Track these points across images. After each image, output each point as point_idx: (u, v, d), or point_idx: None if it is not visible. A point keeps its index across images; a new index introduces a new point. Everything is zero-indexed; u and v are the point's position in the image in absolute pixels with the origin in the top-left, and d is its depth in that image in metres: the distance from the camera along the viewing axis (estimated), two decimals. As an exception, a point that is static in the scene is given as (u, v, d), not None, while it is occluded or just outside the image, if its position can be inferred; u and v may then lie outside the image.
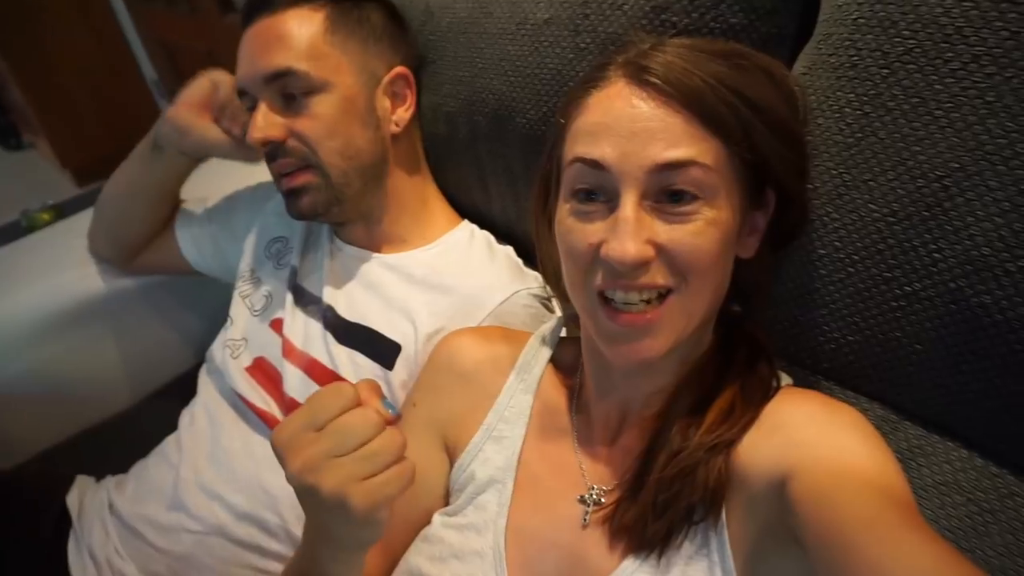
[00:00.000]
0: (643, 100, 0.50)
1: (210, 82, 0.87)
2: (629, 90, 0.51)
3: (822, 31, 0.59)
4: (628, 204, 0.49)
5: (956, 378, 0.54)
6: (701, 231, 0.50)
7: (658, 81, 0.50)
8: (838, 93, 0.56)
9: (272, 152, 0.80)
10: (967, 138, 0.49)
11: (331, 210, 0.83)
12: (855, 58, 0.55)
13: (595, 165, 0.51)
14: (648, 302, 0.51)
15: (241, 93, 0.81)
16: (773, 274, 0.62)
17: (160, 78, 2.74)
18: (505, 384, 0.66)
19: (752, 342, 0.58)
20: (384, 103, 0.82)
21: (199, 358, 1.20)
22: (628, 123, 0.50)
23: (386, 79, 0.82)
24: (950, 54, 0.49)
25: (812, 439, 0.49)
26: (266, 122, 0.77)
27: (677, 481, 0.52)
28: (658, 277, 0.50)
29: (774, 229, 0.58)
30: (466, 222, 0.90)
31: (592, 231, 0.52)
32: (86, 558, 0.79)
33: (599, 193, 0.52)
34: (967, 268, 0.51)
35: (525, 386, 0.66)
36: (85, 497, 0.87)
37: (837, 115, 0.56)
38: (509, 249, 0.87)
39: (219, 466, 0.81)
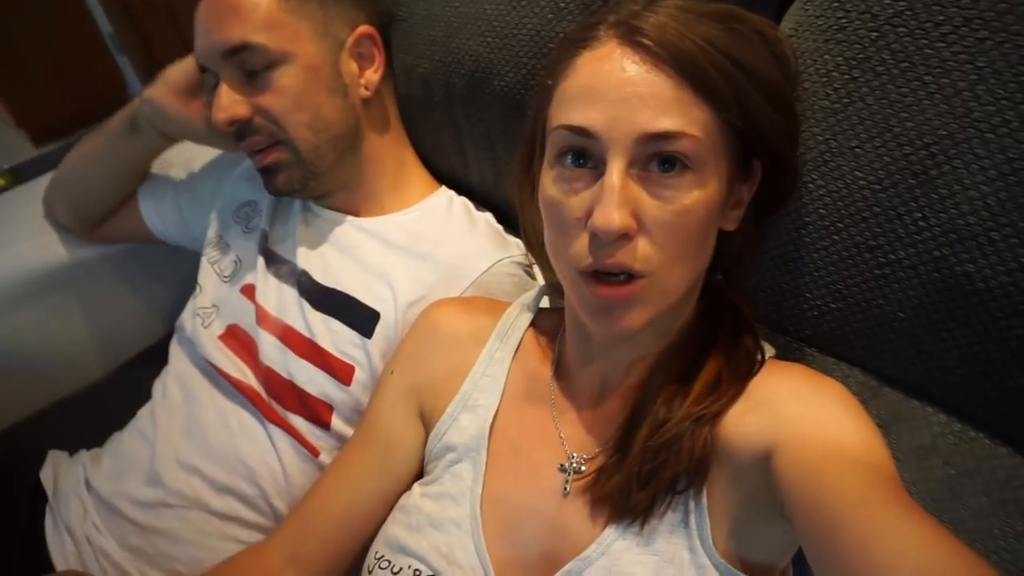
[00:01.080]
0: (635, 63, 0.48)
1: (196, 64, 0.82)
2: (620, 52, 0.49)
3: (809, -9, 0.57)
4: (615, 171, 0.48)
5: (937, 345, 0.54)
6: (686, 211, 0.49)
7: (651, 43, 0.48)
8: (825, 56, 0.55)
9: (240, 131, 0.77)
10: (956, 105, 0.48)
11: (308, 185, 0.81)
12: (843, 20, 0.54)
13: (582, 132, 0.49)
14: (630, 275, 0.50)
15: (202, 69, 0.77)
16: (757, 245, 0.62)
17: (116, 32, 2.61)
18: (481, 352, 0.65)
19: (735, 313, 0.58)
20: (351, 67, 0.79)
21: (169, 328, 1.18)
22: (617, 87, 0.48)
23: (350, 41, 0.78)
24: (941, 17, 0.48)
25: (797, 414, 0.50)
26: (229, 101, 0.74)
27: (663, 451, 0.52)
28: (636, 261, 0.49)
29: (759, 199, 0.57)
30: (444, 188, 0.88)
31: (578, 203, 0.50)
32: (64, 534, 0.78)
33: (586, 158, 0.50)
34: (951, 237, 0.50)
35: (502, 355, 0.65)
36: (59, 472, 0.86)
37: (824, 79, 0.55)
38: (489, 216, 0.85)
39: (194, 439, 0.80)
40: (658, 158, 0.48)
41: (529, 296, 0.69)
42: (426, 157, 0.90)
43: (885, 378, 0.60)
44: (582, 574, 0.52)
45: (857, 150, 0.54)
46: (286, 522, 0.67)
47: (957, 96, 0.48)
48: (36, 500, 0.82)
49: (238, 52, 0.73)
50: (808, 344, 0.63)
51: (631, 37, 0.49)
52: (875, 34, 0.52)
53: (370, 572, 0.58)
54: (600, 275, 0.50)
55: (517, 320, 0.67)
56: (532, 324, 0.67)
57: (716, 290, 0.60)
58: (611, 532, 0.53)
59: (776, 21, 0.63)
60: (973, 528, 0.54)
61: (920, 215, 0.52)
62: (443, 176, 0.90)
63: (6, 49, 2.47)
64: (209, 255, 0.92)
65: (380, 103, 0.84)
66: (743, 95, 0.49)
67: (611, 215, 0.47)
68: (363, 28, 0.79)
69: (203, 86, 0.81)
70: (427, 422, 0.66)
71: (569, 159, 0.51)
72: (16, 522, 0.80)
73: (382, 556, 0.59)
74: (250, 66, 0.73)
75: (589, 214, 0.49)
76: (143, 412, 0.87)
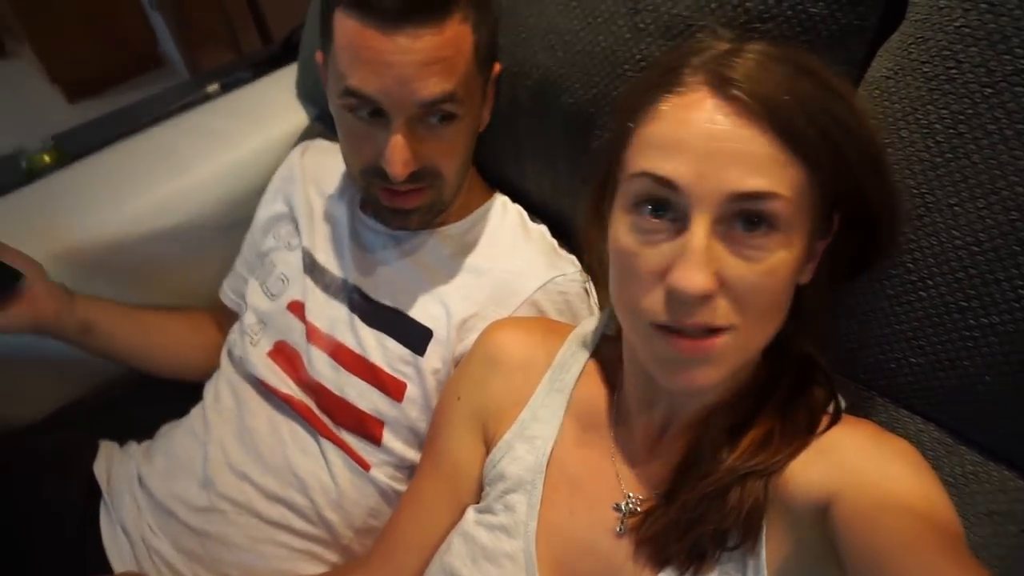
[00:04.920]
0: (726, 116, 0.46)
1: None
2: (711, 102, 0.46)
3: (914, 32, 0.54)
4: (699, 231, 0.45)
5: (1025, 413, 0.53)
6: (772, 271, 0.47)
7: (743, 96, 0.45)
8: (928, 107, 0.52)
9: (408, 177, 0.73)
10: (1076, 176, 0.46)
11: (431, 220, 0.80)
12: (953, 71, 0.50)
13: (666, 184, 0.47)
14: (708, 331, 0.48)
15: (354, 95, 0.68)
16: (830, 298, 0.59)
17: (150, -13, 2.58)
18: (540, 382, 0.65)
19: (806, 367, 0.56)
20: (487, 106, 0.78)
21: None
22: (706, 140, 0.46)
23: (490, 82, 0.76)
24: (1069, 82, 0.45)
25: (860, 465, 0.49)
26: (409, 154, 0.69)
27: (703, 503, 0.51)
28: (717, 318, 0.47)
29: (840, 257, 0.55)
30: (498, 194, 0.86)
31: (655, 256, 0.48)
32: (119, 533, 0.79)
33: (666, 210, 0.48)
34: (1055, 309, 0.48)
35: (561, 385, 0.64)
36: (112, 467, 0.86)
37: (925, 130, 0.52)
38: (543, 228, 0.83)
39: (246, 447, 0.80)
40: (743, 216, 0.46)
41: (590, 326, 0.68)
42: (481, 163, 0.87)
43: (961, 437, 0.58)
44: None
45: (956, 208, 0.52)
46: (370, 557, 0.68)
47: (1078, 167, 0.46)
48: (91, 495, 0.83)
49: (439, 103, 0.68)
50: (881, 394, 0.62)
51: (722, 87, 0.46)
52: (989, 90, 0.49)
53: None
54: (675, 329, 0.48)
55: (577, 353, 0.66)
56: (593, 355, 0.66)
57: (786, 341, 0.57)
58: None
59: (869, 55, 0.60)
60: (1047, 600, 0.53)
61: (1021, 283, 0.50)
62: (498, 183, 0.88)
63: (42, 6, 2.44)
64: (257, 274, 0.91)
65: None
66: (839, 153, 0.47)
67: (694, 278, 0.45)
68: (497, 67, 0.77)
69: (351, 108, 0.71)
70: (487, 445, 0.66)
71: (648, 209, 0.48)
72: (74, 518, 0.81)
73: None
74: (436, 114, 0.69)
75: (666, 269, 0.47)
76: (195, 412, 0.87)
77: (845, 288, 0.59)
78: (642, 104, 0.51)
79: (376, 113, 0.69)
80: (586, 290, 0.78)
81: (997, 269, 0.50)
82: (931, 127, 0.52)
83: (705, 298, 0.46)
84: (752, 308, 0.47)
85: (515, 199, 0.86)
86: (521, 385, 0.65)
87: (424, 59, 0.65)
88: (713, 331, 0.48)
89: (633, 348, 0.56)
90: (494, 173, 0.88)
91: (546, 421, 0.63)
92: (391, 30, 0.64)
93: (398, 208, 0.75)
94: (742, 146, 0.45)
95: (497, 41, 0.77)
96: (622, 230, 0.50)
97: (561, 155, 0.77)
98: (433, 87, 0.66)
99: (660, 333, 0.49)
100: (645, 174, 0.48)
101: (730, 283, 0.46)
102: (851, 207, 0.52)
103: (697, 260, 0.45)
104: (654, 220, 0.48)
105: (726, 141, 0.45)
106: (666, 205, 0.48)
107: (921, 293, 0.55)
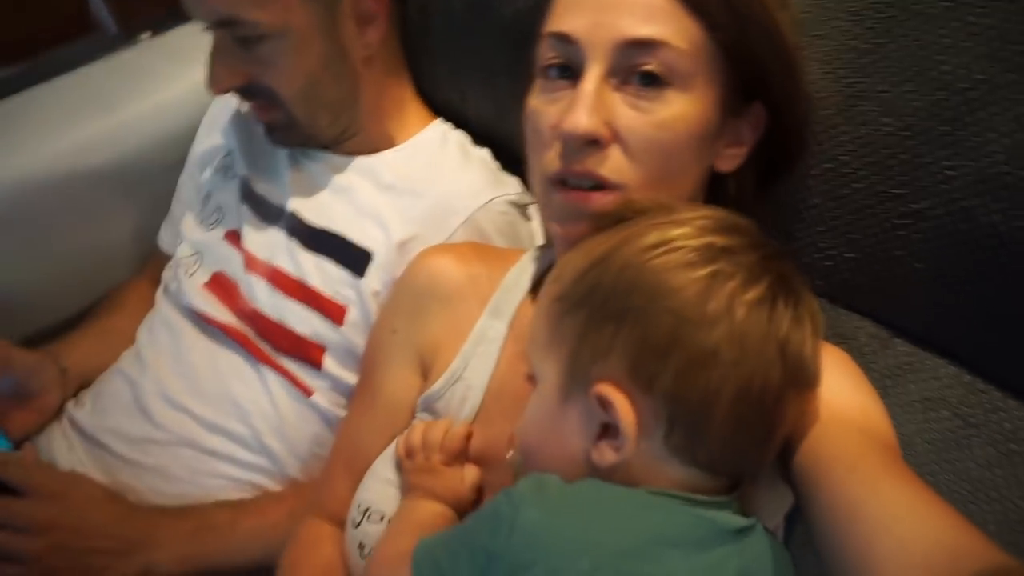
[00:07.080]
0: None
1: None
2: None
3: (845, -80, 0.54)
4: (590, 77, 0.47)
5: (953, 296, 0.54)
6: (665, 124, 0.48)
7: None
8: (861, -8, 0.52)
9: (240, 92, 0.75)
10: (997, 48, 0.47)
11: (306, 142, 0.80)
12: (882, -47, 0.51)
13: (563, 38, 0.49)
14: (599, 188, 0.49)
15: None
16: (760, 206, 0.58)
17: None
18: (481, 313, 0.61)
19: None
20: (348, 29, 0.73)
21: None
22: None
23: (347, 2, 0.72)
24: (991, -48, 0.46)
25: None
26: (222, 72, 0.72)
27: None
28: (605, 169, 0.48)
29: (765, 160, 0.55)
30: (439, 121, 0.84)
31: (554, 111, 0.49)
32: (50, 469, 0.76)
33: (568, 70, 0.49)
34: (980, 187, 0.49)
35: (495, 332, 0.60)
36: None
37: (857, 17, 0.53)
38: (485, 152, 0.82)
39: (184, 379, 0.78)
40: (639, 73, 0.47)
41: (526, 269, 0.63)
42: (424, 89, 0.85)
43: (896, 329, 0.59)
44: None
45: (886, 94, 0.52)
46: (320, 499, 0.65)
47: (1000, 38, 0.46)
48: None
49: (227, 24, 0.69)
50: (819, 295, 0.62)
51: None
52: (917, -31, 0.49)
53: (356, 526, 0.56)
54: (569, 183, 0.49)
55: (511, 295, 0.62)
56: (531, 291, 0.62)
57: None
58: None
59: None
60: (977, 478, 0.54)
61: (948, 164, 0.50)
62: (440, 110, 0.86)
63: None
64: (193, 208, 0.89)
65: (382, 53, 0.78)
66: (743, 19, 0.48)
67: (579, 118, 0.46)
68: None
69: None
70: (423, 375, 0.63)
71: (554, 71, 0.50)
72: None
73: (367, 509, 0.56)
74: (240, 35, 0.70)
75: (561, 121, 0.48)
76: (126, 355, 0.84)
77: (777, 187, 0.59)
78: None
79: None
80: (525, 212, 0.77)
81: (925, 152, 0.51)
82: (861, 13, 0.53)
83: (593, 142, 0.47)
84: (646, 163, 0.48)
85: (458, 125, 0.84)
86: (458, 317, 0.61)
87: None
88: (601, 187, 0.48)
89: (543, 220, 0.55)
90: (436, 98, 0.85)
91: (479, 369, 0.59)
92: None
93: (259, 120, 0.79)
94: None
95: None
96: (532, 95, 0.52)
97: (500, 71, 0.75)
98: (213, 6, 0.69)
99: (555, 187, 0.50)
100: (548, 34, 0.50)
101: (622, 134, 0.47)
102: (769, 97, 0.52)
103: (584, 103, 0.47)
104: (558, 81, 0.50)
105: None
106: (568, 65, 0.49)
107: (855, 185, 0.56)
